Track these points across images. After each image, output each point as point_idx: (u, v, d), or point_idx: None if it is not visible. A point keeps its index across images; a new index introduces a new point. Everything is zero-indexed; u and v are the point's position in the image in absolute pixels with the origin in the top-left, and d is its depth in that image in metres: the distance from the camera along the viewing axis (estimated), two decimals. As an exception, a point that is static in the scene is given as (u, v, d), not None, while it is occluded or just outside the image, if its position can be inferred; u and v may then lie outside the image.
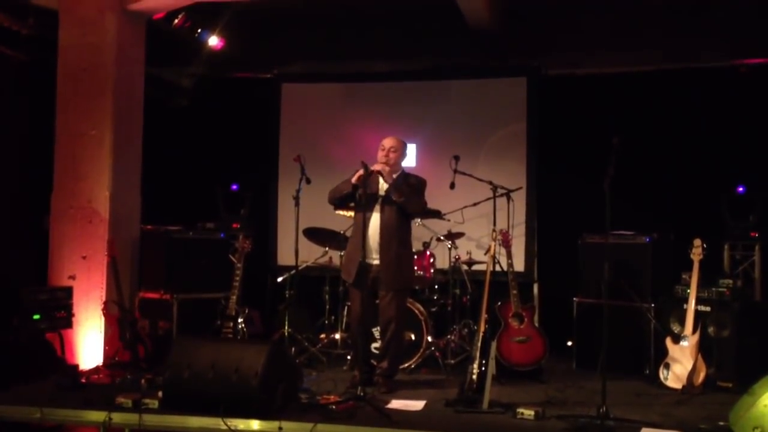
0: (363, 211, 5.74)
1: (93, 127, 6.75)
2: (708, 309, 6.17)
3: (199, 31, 7.60)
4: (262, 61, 8.99)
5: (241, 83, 9.17)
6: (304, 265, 7.21)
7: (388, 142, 5.90)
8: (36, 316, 6.11)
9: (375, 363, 5.93)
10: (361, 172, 5.68)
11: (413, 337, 6.57)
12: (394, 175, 5.84)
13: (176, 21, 7.26)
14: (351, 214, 6.35)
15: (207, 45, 7.76)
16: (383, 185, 5.84)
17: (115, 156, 6.76)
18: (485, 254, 6.37)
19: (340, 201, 5.99)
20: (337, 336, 7.18)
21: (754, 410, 4.25)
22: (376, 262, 5.76)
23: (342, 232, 7.05)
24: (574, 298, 6.98)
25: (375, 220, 5.78)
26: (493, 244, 6.13)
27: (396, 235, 5.78)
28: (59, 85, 6.85)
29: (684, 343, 5.96)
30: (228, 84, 9.07)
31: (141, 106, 7.19)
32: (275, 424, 4.59)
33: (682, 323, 6.05)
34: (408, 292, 6.18)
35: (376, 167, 5.75)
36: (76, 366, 6.30)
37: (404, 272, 5.89)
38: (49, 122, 6.88)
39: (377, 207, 5.80)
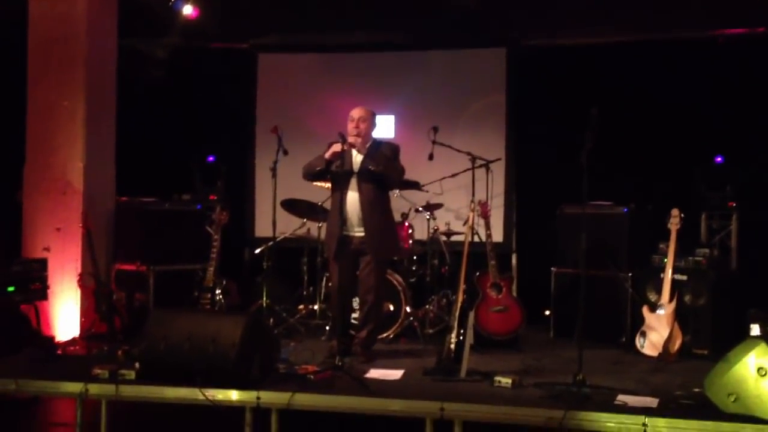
0: (339, 188, 5.69)
1: (65, 99, 6.66)
2: (685, 278, 6.21)
3: (172, 0, 7.47)
4: (238, 31, 8.87)
5: (217, 54, 9.04)
6: (282, 236, 7.18)
7: (356, 113, 5.83)
8: (10, 289, 6.04)
9: (353, 333, 5.93)
10: (336, 147, 5.62)
11: (392, 307, 6.58)
12: (367, 145, 5.80)
13: (150, -11, 7.14)
14: (328, 185, 6.31)
15: (181, 14, 7.63)
16: (357, 160, 5.78)
17: (89, 127, 6.68)
18: (464, 225, 6.38)
19: (313, 177, 5.95)
20: (315, 307, 7.17)
21: (729, 377, 4.29)
22: (359, 234, 5.73)
23: (320, 203, 7.02)
24: (552, 268, 7.01)
25: (352, 195, 5.73)
26: (471, 214, 6.13)
27: (377, 208, 5.76)
28: (30, 57, 6.75)
29: (660, 312, 6.01)
30: (203, 55, 8.94)
31: (114, 76, 7.11)
32: (253, 394, 4.58)
33: (659, 292, 6.10)
34: (387, 263, 6.18)
35: (349, 140, 5.68)
36: (52, 338, 6.26)
37: (389, 242, 5.92)
38: (20, 94, 6.77)
39: (353, 183, 5.75)
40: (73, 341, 6.15)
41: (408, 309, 6.62)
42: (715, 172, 7.35)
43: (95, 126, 6.76)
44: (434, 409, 4.43)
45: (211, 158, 8.24)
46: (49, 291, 6.38)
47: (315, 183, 6.45)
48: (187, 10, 7.58)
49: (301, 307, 7.22)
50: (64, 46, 6.67)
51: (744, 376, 4.25)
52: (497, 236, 7.69)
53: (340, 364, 5.13)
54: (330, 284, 6.36)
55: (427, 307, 6.96)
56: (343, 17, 8.33)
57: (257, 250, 7.40)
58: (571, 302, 6.33)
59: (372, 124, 5.90)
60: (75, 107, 6.66)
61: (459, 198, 7.84)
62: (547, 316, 7.10)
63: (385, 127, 8.17)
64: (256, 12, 8.38)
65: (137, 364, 4.85)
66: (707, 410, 4.31)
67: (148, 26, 8.05)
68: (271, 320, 6.71)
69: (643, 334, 6.06)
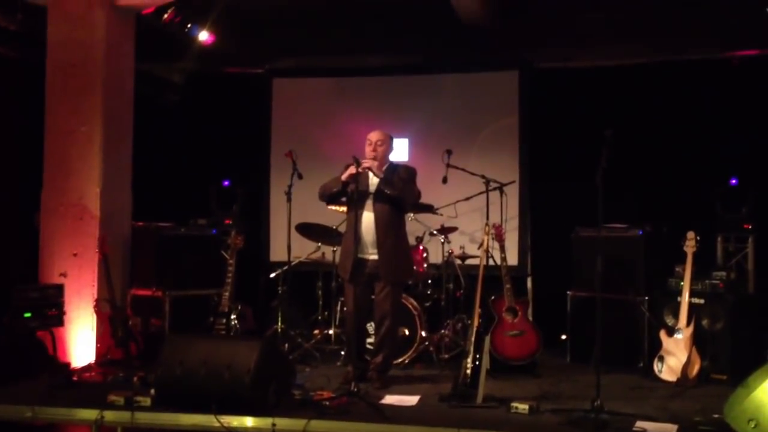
0: (355, 208, 5.72)
1: (83, 124, 6.70)
2: (702, 301, 6.17)
3: (189, 26, 7.53)
4: (253, 56, 8.94)
5: (232, 78, 9.13)
6: (297, 260, 7.18)
7: (374, 136, 5.86)
8: (27, 315, 6.06)
9: (369, 358, 5.91)
10: (351, 170, 5.65)
11: (407, 332, 6.55)
12: (383, 168, 5.80)
13: (166, 16, 7.18)
14: (343, 209, 6.32)
15: (197, 40, 7.70)
16: (373, 181, 5.80)
17: (105, 152, 6.71)
18: (478, 248, 6.35)
19: (329, 198, 5.97)
20: (331, 332, 7.16)
21: (749, 402, 4.24)
22: (374, 256, 5.74)
23: (335, 227, 7.03)
24: (568, 292, 6.97)
25: (367, 216, 5.75)
26: (486, 238, 6.11)
27: (391, 229, 5.77)
28: (48, 82, 6.80)
29: (678, 336, 5.96)
30: (219, 79, 9.02)
31: (131, 102, 7.14)
32: (268, 420, 4.57)
33: (676, 316, 6.05)
34: (403, 287, 6.16)
35: (365, 164, 5.70)
36: (68, 364, 6.26)
37: (403, 265, 5.90)
38: (38, 119, 6.83)
39: (368, 203, 5.77)
40: (88, 367, 6.15)
41: (423, 334, 6.59)
42: (730, 194, 7.32)
43: (112, 151, 6.79)
44: (451, 435, 4.41)
45: (226, 182, 8.29)
46: (65, 317, 6.39)
47: (330, 206, 6.47)
48: (203, 36, 7.66)
49: (317, 331, 7.21)
50: (82, 71, 6.71)
51: (764, 401, 4.20)
52: (512, 259, 7.66)
53: (355, 390, 5.11)
54: (345, 309, 6.36)
55: (442, 331, 6.93)
56: (357, 42, 8.38)
57: (272, 275, 7.40)
58: (588, 326, 6.32)
59: (389, 148, 5.92)
60: (92, 132, 6.69)
61: (473, 221, 7.83)
62: (564, 340, 7.06)
63: (399, 150, 8.18)
64: (270, 37, 8.45)
65: (153, 391, 4.85)
66: (727, 437, 4.27)
67: (164, 51, 8.13)
68: (287, 345, 6.70)
69: (661, 359, 6.01)
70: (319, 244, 7.33)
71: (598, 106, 7.93)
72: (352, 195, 5.72)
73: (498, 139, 8.47)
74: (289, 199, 6.42)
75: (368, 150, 5.82)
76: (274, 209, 8.79)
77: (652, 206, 7.48)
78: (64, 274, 6.60)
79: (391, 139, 5.95)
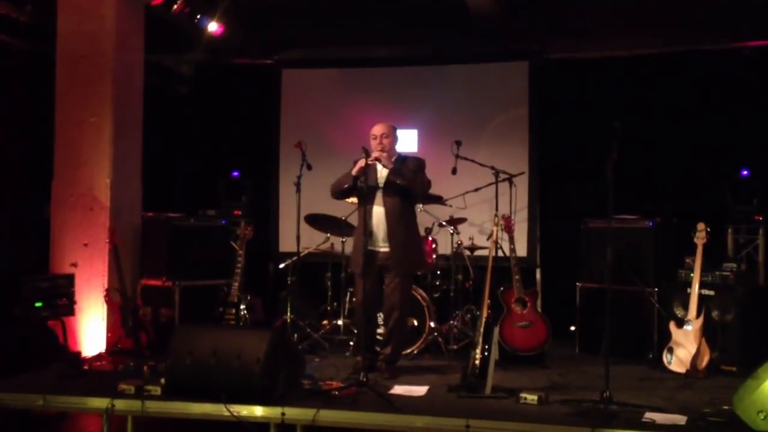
0: (365, 203, 5.72)
1: (93, 115, 6.74)
2: (712, 293, 6.15)
3: (198, 17, 7.54)
4: (262, 47, 8.94)
5: (241, 69, 9.13)
6: (306, 251, 7.20)
7: (378, 129, 5.85)
8: (38, 304, 6.12)
9: (378, 349, 5.92)
10: (361, 162, 5.65)
11: (416, 323, 6.56)
12: (392, 160, 5.80)
13: (175, 7, 7.19)
14: (355, 200, 6.32)
15: (206, 31, 7.71)
16: (382, 174, 5.80)
17: (115, 143, 6.75)
18: (487, 239, 6.35)
19: (341, 194, 5.97)
20: (340, 322, 7.17)
21: (759, 393, 4.23)
22: (384, 249, 5.74)
23: (344, 218, 7.03)
24: (577, 283, 6.96)
25: (377, 210, 5.75)
26: (495, 229, 6.11)
27: (402, 221, 5.77)
28: (58, 73, 6.83)
29: (688, 327, 5.94)
30: (228, 70, 9.03)
31: (141, 93, 7.17)
32: (278, 410, 4.58)
33: (686, 307, 6.04)
34: (412, 278, 6.17)
35: (375, 155, 5.70)
36: (79, 353, 6.31)
37: (413, 256, 5.90)
38: (48, 110, 6.86)
39: (378, 197, 5.77)
40: (99, 357, 6.19)
41: (432, 324, 6.60)
42: (741, 186, 7.29)
43: (122, 142, 6.83)
44: (460, 426, 4.41)
45: (235, 173, 8.31)
46: (76, 306, 6.45)
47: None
48: (212, 27, 7.66)
49: (326, 322, 7.23)
50: (92, 62, 6.75)
51: (774, 393, 4.19)
52: (521, 251, 7.66)
53: (364, 380, 5.12)
54: (354, 299, 6.36)
55: (451, 322, 6.94)
56: (367, 32, 8.39)
57: (281, 265, 7.41)
58: (597, 317, 6.31)
59: (395, 139, 5.92)
60: (102, 123, 6.73)
61: (482, 212, 7.82)
62: (573, 331, 7.06)
63: (408, 142, 8.18)
64: (280, 28, 8.47)
65: (163, 380, 4.88)
66: (736, 428, 4.26)
67: (174, 42, 8.14)
68: (296, 336, 6.73)
69: (671, 350, 6.00)
70: (329, 234, 7.34)
71: (608, 96, 7.89)
72: (362, 189, 5.72)
73: (507, 130, 8.44)
74: (298, 190, 6.43)
75: (374, 144, 5.81)
76: (283, 200, 8.80)
77: (662, 197, 7.45)
78: (74, 264, 6.65)
79: (394, 130, 5.94)
